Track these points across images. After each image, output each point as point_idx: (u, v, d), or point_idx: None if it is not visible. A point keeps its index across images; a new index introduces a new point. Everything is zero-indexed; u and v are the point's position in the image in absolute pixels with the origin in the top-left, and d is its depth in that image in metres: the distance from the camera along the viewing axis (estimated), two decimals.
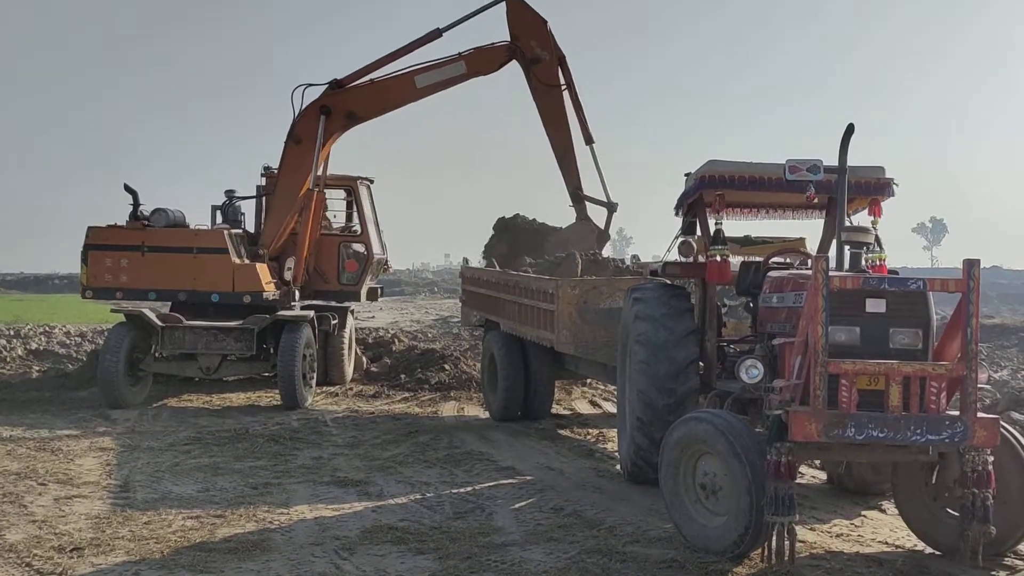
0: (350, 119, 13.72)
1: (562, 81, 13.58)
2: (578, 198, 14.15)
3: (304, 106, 13.52)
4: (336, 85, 13.51)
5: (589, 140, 13.82)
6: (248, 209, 14.85)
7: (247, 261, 13.41)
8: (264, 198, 14.48)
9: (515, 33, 13.49)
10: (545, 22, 13.51)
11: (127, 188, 13.70)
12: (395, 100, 13.78)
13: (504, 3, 13.45)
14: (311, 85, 13.53)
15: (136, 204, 13.63)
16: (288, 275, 13.77)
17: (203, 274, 13.16)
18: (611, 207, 14.00)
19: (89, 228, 13.47)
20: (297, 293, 13.78)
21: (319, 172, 13.74)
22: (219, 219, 14.52)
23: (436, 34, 13.38)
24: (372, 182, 15.43)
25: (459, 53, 13.40)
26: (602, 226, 14.27)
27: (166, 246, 13.26)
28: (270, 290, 13.31)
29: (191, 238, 13.44)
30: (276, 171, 14.06)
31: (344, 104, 13.56)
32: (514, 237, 15.62)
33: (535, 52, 13.46)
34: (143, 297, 13.63)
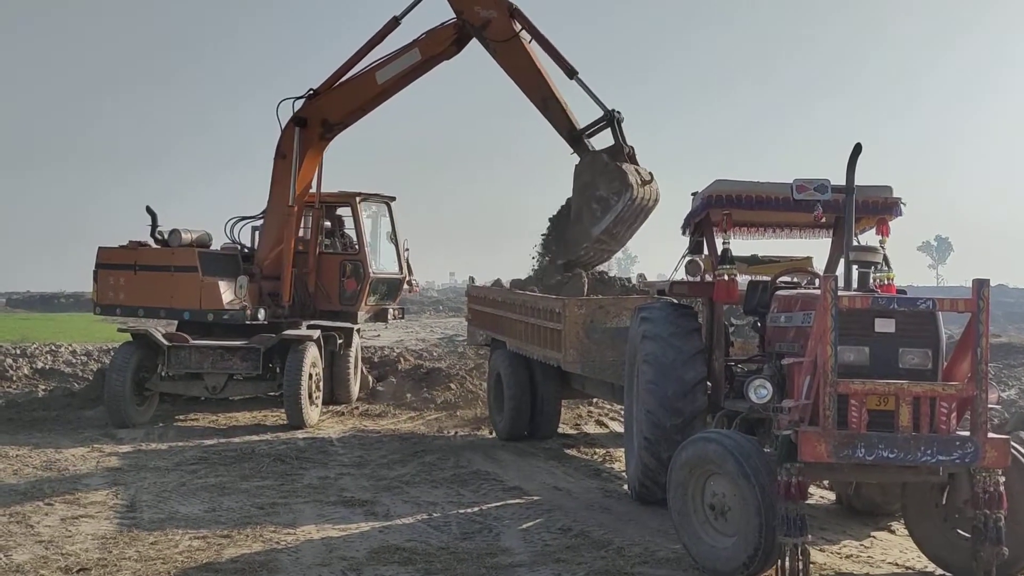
0: (326, 128, 13.58)
1: (518, 28, 12.60)
2: (575, 139, 12.67)
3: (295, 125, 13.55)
4: (312, 94, 13.45)
5: (572, 72, 12.53)
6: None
7: (213, 278, 13.25)
8: None
9: (458, 8, 12.84)
10: None
11: (148, 210, 13.98)
12: (361, 100, 13.50)
13: None
14: (296, 98, 13.53)
15: (155, 225, 13.82)
16: (240, 292, 13.55)
17: (178, 292, 13.28)
18: (612, 116, 12.32)
19: (99, 248, 13.75)
20: (262, 312, 13.48)
21: (312, 188, 13.88)
22: (238, 237, 14.59)
23: (394, 23, 13.06)
24: (393, 199, 15.41)
25: (412, 40, 13.08)
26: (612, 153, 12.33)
27: (151, 265, 13.46)
28: (234, 307, 13.21)
29: (169, 257, 13.50)
30: None
31: (317, 113, 13.46)
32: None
33: (481, 15, 12.64)
34: (135, 314, 13.94)
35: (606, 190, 11.87)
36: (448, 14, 12.97)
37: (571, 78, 12.62)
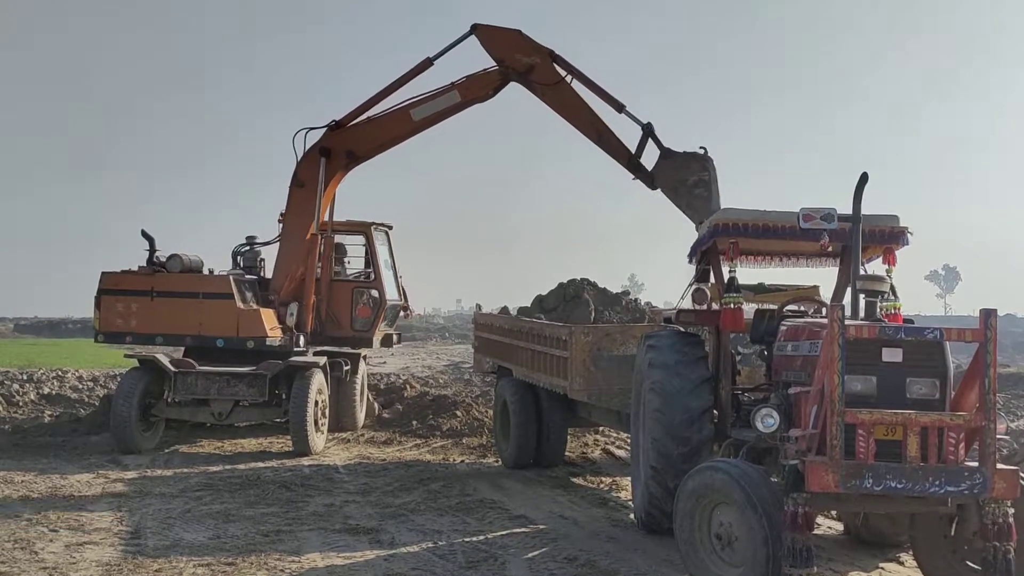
0: (350, 159, 13.78)
1: (563, 73, 13.12)
2: (634, 165, 13.06)
3: (306, 149, 13.69)
4: (335, 126, 13.62)
5: (620, 107, 13.03)
6: (270, 254, 14.92)
7: (254, 306, 13.44)
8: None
9: (498, 56, 13.24)
10: (519, 32, 13.26)
11: (144, 234, 13.82)
12: (393, 135, 13.80)
13: (474, 35, 13.27)
14: (312, 128, 13.66)
15: (152, 250, 13.72)
16: (291, 320, 13.73)
17: (209, 319, 13.22)
18: (650, 127, 12.98)
19: (102, 273, 13.58)
20: (303, 339, 13.76)
21: (325, 216, 13.89)
22: (241, 264, 14.61)
23: (427, 63, 13.31)
24: (391, 228, 15.52)
25: (452, 83, 13.36)
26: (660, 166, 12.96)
27: (174, 291, 13.35)
28: (275, 336, 13.33)
29: (197, 283, 13.50)
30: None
31: (343, 144, 13.64)
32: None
33: (524, 62, 13.15)
34: (151, 341, 13.73)
35: (695, 175, 12.51)
36: (480, 54, 13.31)
37: (620, 112, 13.05)
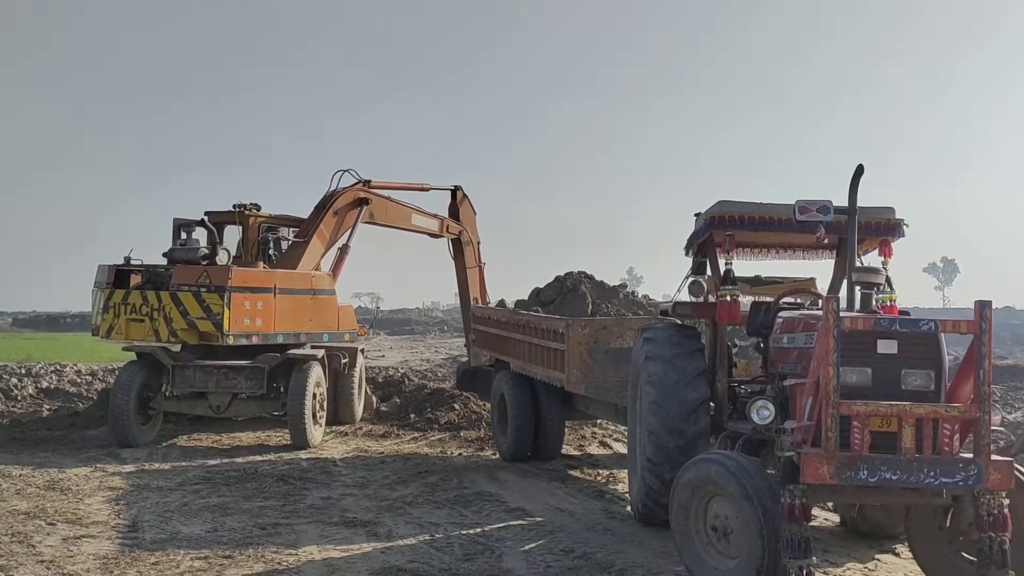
0: (371, 217, 15.52)
1: (478, 262, 17.33)
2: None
3: (341, 187, 15.01)
4: (367, 183, 15.45)
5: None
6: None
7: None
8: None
9: (462, 220, 17.05)
10: (476, 213, 17.52)
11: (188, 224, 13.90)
12: (395, 222, 16.05)
13: (454, 193, 17.16)
14: (346, 171, 15.22)
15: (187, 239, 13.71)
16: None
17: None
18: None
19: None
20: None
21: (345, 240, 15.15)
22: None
23: (425, 188, 16.68)
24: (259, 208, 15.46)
25: (438, 216, 16.60)
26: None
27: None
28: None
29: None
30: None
31: (373, 205, 15.39)
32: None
33: (470, 240, 17.22)
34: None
35: None
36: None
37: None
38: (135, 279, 13.36)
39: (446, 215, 16.98)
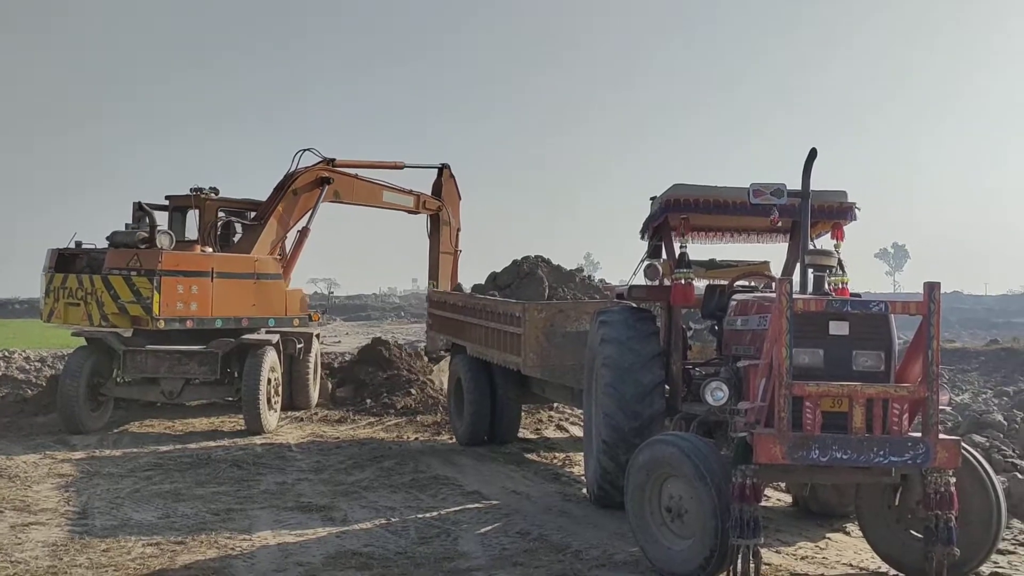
0: (336, 196, 15.29)
1: (455, 248, 17.10)
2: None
3: (302, 167, 14.78)
4: (331, 162, 15.21)
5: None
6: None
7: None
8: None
9: (443, 198, 16.78)
10: (460, 198, 17.21)
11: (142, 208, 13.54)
12: (365, 200, 15.83)
13: (441, 171, 16.92)
14: (307, 150, 14.97)
15: (152, 225, 12.97)
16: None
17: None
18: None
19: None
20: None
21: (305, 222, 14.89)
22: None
23: (400, 166, 16.34)
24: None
25: (413, 192, 16.33)
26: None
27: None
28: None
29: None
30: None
31: (337, 184, 15.20)
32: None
33: (448, 220, 16.89)
34: None
35: None
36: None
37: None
38: (80, 264, 13.12)
39: (429, 193, 16.74)
